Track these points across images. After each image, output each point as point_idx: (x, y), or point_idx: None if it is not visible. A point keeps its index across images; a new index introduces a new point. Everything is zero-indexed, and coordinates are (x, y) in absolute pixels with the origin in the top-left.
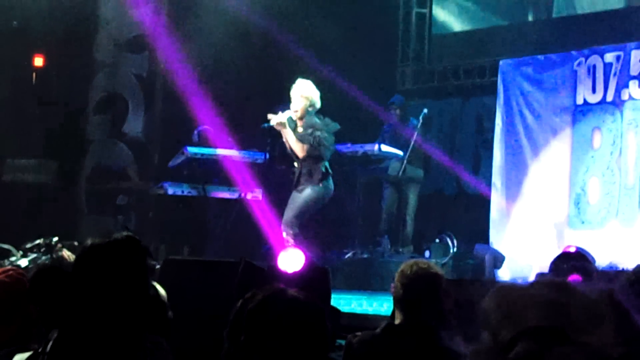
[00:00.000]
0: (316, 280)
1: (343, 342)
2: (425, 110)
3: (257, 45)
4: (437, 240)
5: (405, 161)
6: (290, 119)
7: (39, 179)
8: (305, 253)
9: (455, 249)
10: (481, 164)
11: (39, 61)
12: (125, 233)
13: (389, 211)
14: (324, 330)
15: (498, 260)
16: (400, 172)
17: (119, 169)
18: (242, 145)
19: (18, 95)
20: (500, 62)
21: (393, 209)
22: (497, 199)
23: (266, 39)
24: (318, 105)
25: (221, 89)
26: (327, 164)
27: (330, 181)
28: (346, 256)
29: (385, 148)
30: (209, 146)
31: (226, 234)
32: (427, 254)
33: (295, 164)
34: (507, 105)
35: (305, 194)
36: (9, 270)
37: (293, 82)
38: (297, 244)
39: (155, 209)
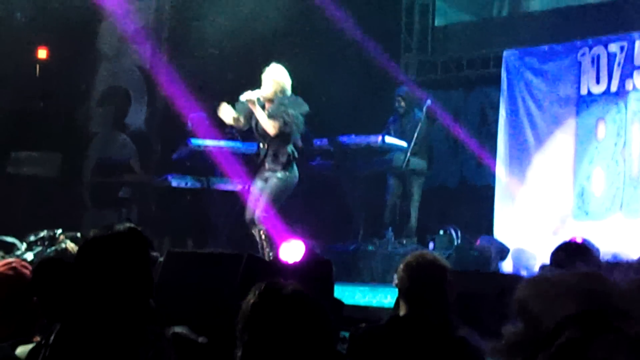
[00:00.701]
0: (319, 272)
1: (347, 334)
2: (429, 102)
3: (259, 35)
4: (441, 232)
5: (409, 153)
6: (258, 100)
7: (42, 171)
8: (306, 244)
9: (459, 241)
10: (485, 155)
11: (42, 53)
12: (127, 225)
13: (392, 203)
14: (328, 326)
15: (503, 252)
16: (404, 164)
17: (122, 162)
18: (246, 137)
19: (21, 88)
20: (504, 53)
21: (397, 200)
22: (501, 191)
23: (269, 28)
24: (288, 93)
25: (224, 81)
26: (292, 148)
27: (295, 168)
28: (350, 248)
29: (389, 140)
30: (204, 132)
31: (230, 226)
32: (431, 245)
33: (260, 145)
34: (511, 96)
35: (270, 184)
36: (11, 262)
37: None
38: (272, 239)
39: (159, 202)
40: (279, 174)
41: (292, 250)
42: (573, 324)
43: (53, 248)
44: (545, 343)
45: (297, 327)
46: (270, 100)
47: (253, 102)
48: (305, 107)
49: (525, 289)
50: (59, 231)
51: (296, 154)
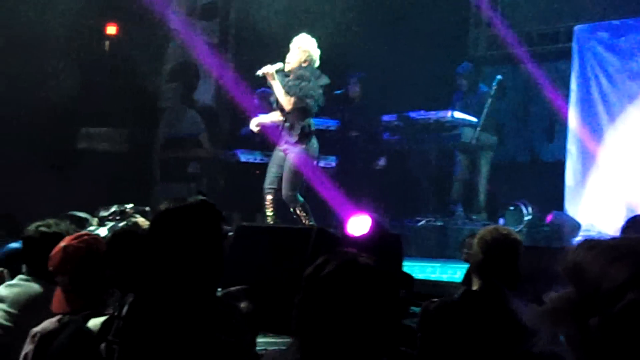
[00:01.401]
0: (388, 247)
1: (417, 309)
2: (500, 77)
3: (326, 13)
4: (512, 208)
5: (478, 128)
6: (281, 71)
7: (113, 147)
8: (372, 218)
9: (529, 217)
10: (555, 131)
11: (111, 30)
12: (199, 197)
13: (461, 178)
14: (395, 298)
15: (575, 228)
16: (474, 139)
17: (190, 137)
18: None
19: (91, 64)
20: (575, 28)
21: (466, 176)
22: (572, 166)
23: (338, 5)
24: (316, 63)
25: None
26: (311, 121)
27: (314, 140)
28: (419, 223)
29: (458, 115)
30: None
31: None
32: (501, 221)
33: (280, 117)
34: (582, 71)
35: (291, 161)
36: (83, 235)
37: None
38: (309, 212)
39: (227, 177)
40: (296, 149)
41: (359, 225)
42: (634, 286)
43: (124, 222)
44: (603, 305)
45: (371, 299)
46: (293, 70)
47: (272, 76)
48: (325, 80)
49: (579, 253)
50: (130, 206)
51: (312, 127)
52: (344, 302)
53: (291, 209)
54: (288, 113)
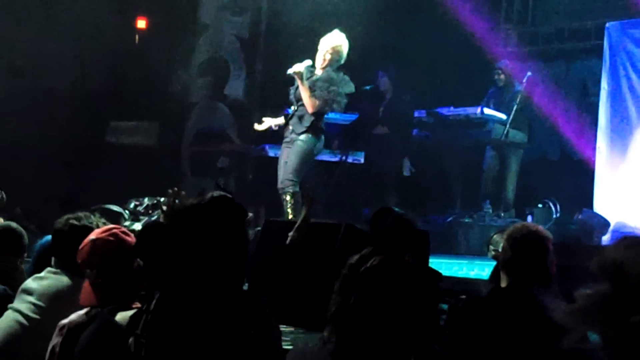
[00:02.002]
0: (415, 243)
1: (444, 306)
2: (529, 73)
3: (360, 9)
4: (540, 205)
5: (508, 125)
6: (308, 67)
7: (142, 141)
8: (400, 214)
9: (558, 214)
10: (585, 128)
11: (141, 23)
12: (217, 193)
13: (490, 175)
14: (436, 298)
15: (604, 226)
16: (503, 136)
17: (220, 131)
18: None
19: (121, 58)
20: (607, 25)
21: (494, 173)
22: (602, 164)
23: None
24: (343, 61)
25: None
26: (323, 120)
27: (322, 137)
28: (447, 220)
29: (488, 111)
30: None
31: (327, 196)
32: (529, 219)
33: (292, 107)
34: (613, 69)
35: (297, 148)
36: (112, 229)
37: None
38: (299, 204)
39: (256, 171)
40: (303, 137)
41: (386, 220)
42: None
43: (154, 217)
44: None
45: (414, 296)
46: (323, 68)
47: (300, 75)
48: (351, 87)
49: (619, 251)
50: (162, 199)
51: (322, 125)
52: (387, 296)
53: (284, 196)
54: (302, 105)
